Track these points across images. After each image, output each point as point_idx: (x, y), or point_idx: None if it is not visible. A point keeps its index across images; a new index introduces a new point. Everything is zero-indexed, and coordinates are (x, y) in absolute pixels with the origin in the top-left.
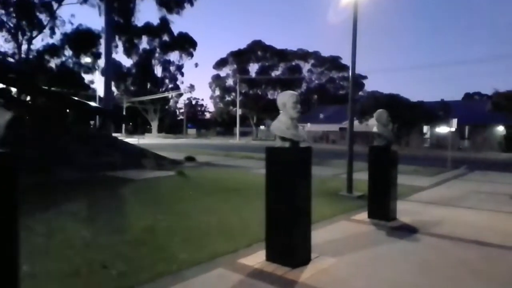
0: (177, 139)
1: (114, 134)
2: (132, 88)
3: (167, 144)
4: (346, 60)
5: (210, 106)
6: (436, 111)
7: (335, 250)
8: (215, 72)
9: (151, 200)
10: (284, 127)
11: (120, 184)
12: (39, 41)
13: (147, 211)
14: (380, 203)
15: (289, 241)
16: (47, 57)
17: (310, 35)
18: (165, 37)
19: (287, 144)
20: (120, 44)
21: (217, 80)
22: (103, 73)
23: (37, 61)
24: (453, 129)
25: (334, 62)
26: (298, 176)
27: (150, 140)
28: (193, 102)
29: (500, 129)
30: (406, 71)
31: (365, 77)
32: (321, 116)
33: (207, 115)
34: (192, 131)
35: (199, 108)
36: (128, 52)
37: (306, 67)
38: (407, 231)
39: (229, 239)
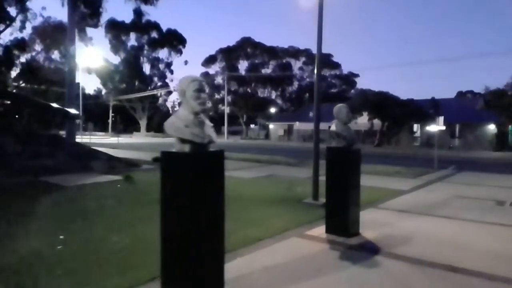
0: (165, 138)
1: (98, 134)
2: (119, 86)
3: (149, 144)
4: (338, 58)
5: None
6: (426, 109)
7: (262, 283)
8: (204, 69)
9: (66, 213)
10: (182, 125)
11: (44, 192)
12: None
13: (50, 228)
14: (339, 216)
15: (191, 277)
16: (16, 52)
17: (301, 32)
18: (154, 34)
19: (186, 148)
20: (107, 40)
21: (206, 78)
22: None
23: (5, 56)
24: (440, 127)
25: (325, 60)
26: (199, 193)
27: (135, 139)
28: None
29: (492, 127)
30: (399, 70)
31: (357, 75)
32: (311, 114)
33: None
34: None
35: None
36: (115, 49)
37: (297, 64)
38: (367, 251)
39: (126, 271)
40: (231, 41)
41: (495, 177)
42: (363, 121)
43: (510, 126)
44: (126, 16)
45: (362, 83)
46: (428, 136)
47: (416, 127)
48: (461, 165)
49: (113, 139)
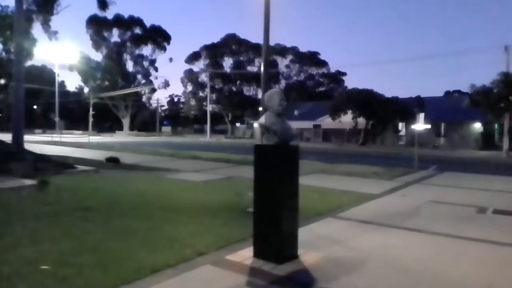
0: (148, 138)
1: (76, 132)
2: (101, 83)
3: (125, 143)
4: (325, 56)
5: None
6: (411, 107)
7: None
8: (188, 66)
9: None
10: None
11: None
12: None
13: None
14: (269, 235)
15: None
16: None
17: (288, 30)
18: (137, 30)
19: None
20: (88, 36)
21: (190, 75)
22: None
23: None
24: (421, 125)
25: (312, 58)
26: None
27: (115, 138)
28: (175, 99)
29: (478, 126)
30: (388, 69)
31: (344, 74)
32: (296, 113)
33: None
34: (167, 128)
35: (176, 105)
36: (96, 45)
37: (284, 62)
38: (296, 286)
39: None
40: (217, 38)
41: (478, 178)
42: (347, 119)
43: (496, 125)
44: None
45: (350, 82)
46: (413, 135)
47: (401, 125)
48: (444, 165)
49: (91, 138)
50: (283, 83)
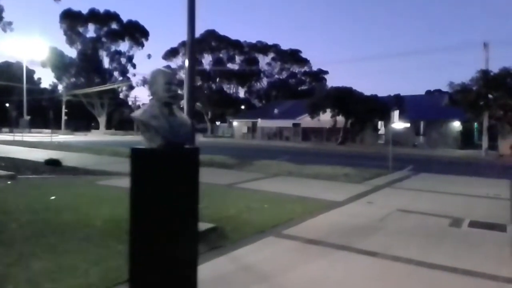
0: (123, 137)
1: (45, 131)
2: (75, 80)
3: (92, 143)
4: (306, 54)
5: None
6: (390, 106)
7: None
8: (166, 63)
9: None
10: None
11: None
12: None
13: None
14: (147, 278)
15: None
16: None
17: (270, 28)
18: (114, 25)
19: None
20: (61, 31)
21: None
22: None
23: None
24: (396, 123)
25: (294, 56)
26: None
27: (89, 137)
28: None
29: (457, 124)
30: (370, 68)
31: (326, 72)
32: (276, 111)
33: None
34: None
35: None
36: (70, 41)
37: (265, 60)
38: None
39: None
40: (197, 34)
41: (455, 181)
42: (327, 118)
43: (475, 124)
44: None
45: (332, 80)
46: (393, 134)
47: (380, 124)
48: (421, 165)
49: (60, 137)
50: (265, 81)
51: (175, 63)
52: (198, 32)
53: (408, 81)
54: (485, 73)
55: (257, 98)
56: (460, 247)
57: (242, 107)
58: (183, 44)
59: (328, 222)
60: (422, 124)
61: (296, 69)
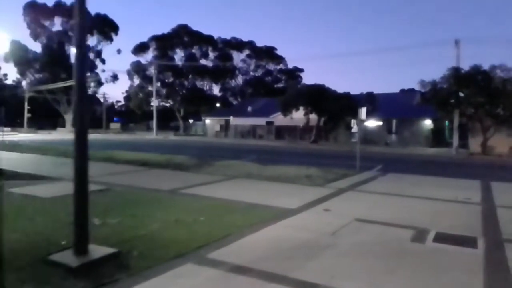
0: (91, 135)
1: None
2: (40, 75)
3: (49, 142)
4: (281, 51)
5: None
6: (363, 104)
7: None
8: (136, 58)
9: None
10: None
11: None
12: None
13: None
14: None
15: None
16: None
17: (245, 25)
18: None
19: None
20: (25, 24)
21: (137, 67)
22: None
23: None
24: (363, 120)
25: (269, 53)
26: None
27: (50, 136)
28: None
29: (428, 123)
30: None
31: (301, 70)
32: (249, 109)
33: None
34: (116, 125)
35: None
36: (35, 35)
37: (241, 57)
38: None
39: None
40: (167, 29)
41: (424, 182)
42: (300, 116)
43: (446, 122)
44: None
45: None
46: (366, 132)
47: (353, 122)
48: (392, 164)
49: (20, 136)
50: (240, 78)
51: (145, 58)
52: (169, 26)
53: (384, 79)
54: (456, 71)
55: (233, 95)
56: (421, 274)
57: (218, 104)
58: (153, 38)
59: (269, 238)
60: (394, 122)
61: (271, 66)
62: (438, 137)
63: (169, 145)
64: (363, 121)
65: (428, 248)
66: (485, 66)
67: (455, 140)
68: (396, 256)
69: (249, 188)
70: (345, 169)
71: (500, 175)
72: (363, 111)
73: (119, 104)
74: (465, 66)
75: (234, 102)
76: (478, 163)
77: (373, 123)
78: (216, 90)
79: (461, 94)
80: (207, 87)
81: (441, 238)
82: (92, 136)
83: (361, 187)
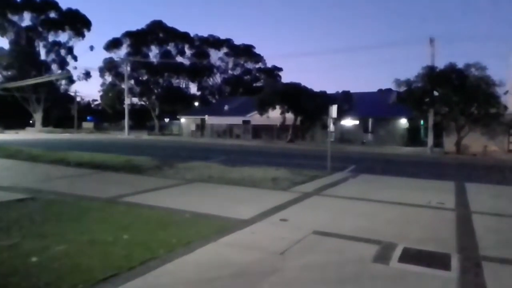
0: (60, 135)
1: None
2: (8, 73)
3: (10, 142)
4: (260, 50)
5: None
6: (339, 102)
7: None
8: (109, 55)
9: None
10: None
11: None
12: None
13: None
14: None
15: None
16: None
17: (223, 23)
18: (52, 14)
19: None
20: None
21: (109, 64)
22: None
23: None
24: (334, 117)
25: (247, 51)
26: None
27: (17, 136)
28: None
29: (404, 122)
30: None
31: (280, 69)
32: (226, 108)
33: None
34: (89, 124)
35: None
36: (2, 30)
37: (219, 55)
38: None
39: None
40: (142, 25)
41: (396, 183)
42: (277, 115)
43: (421, 121)
44: None
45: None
46: (343, 131)
47: (329, 121)
48: (365, 163)
49: None
50: (218, 77)
51: (118, 55)
52: (144, 22)
53: (365, 79)
54: (430, 70)
55: (211, 94)
56: None
57: (196, 103)
58: (127, 34)
59: (202, 262)
60: (370, 121)
61: (250, 65)
62: (413, 136)
63: (138, 145)
64: (334, 119)
65: (392, 271)
66: (461, 64)
67: (430, 140)
68: (352, 284)
69: (204, 194)
70: (316, 170)
71: (474, 175)
72: (333, 109)
73: (96, 103)
74: (442, 64)
75: (213, 101)
76: (453, 163)
77: (349, 122)
78: (193, 88)
79: (436, 93)
80: (184, 86)
81: (408, 256)
82: (63, 136)
83: (328, 191)
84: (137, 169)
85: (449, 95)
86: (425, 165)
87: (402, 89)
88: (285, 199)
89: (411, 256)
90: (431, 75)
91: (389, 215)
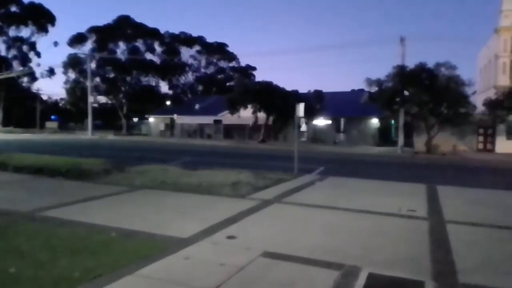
0: (19, 135)
1: None
2: None
3: None
4: (233, 48)
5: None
6: (311, 102)
7: None
8: (73, 51)
9: None
10: None
11: None
12: None
13: None
14: None
15: None
16: None
17: (195, 22)
18: (13, 8)
19: None
20: None
21: (73, 60)
22: None
23: None
24: (301, 115)
25: (220, 50)
26: None
27: None
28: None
29: (375, 121)
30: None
31: (254, 68)
32: (197, 107)
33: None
34: (53, 124)
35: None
36: None
37: (190, 53)
38: None
39: None
40: (108, 20)
41: (365, 187)
42: (249, 114)
43: (392, 120)
44: None
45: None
46: (315, 131)
47: (302, 121)
48: (335, 164)
49: None
50: (190, 75)
51: (83, 51)
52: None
53: (340, 79)
54: (401, 69)
55: (183, 93)
56: None
57: (168, 103)
58: (92, 30)
59: None
60: (343, 121)
61: (224, 64)
62: (384, 136)
63: (99, 146)
64: (307, 119)
65: None
66: (431, 63)
67: (401, 139)
68: None
69: (146, 205)
70: (283, 172)
71: (445, 176)
72: (301, 107)
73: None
74: (413, 63)
75: (186, 100)
76: (423, 163)
77: (322, 122)
78: (165, 87)
79: (407, 93)
80: (154, 84)
81: (374, 285)
82: (16, 136)
83: (291, 197)
84: (83, 174)
85: (419, 94)
86: (395, 165)
87: (373, 88)
88: (241, 208)
89: (377, 286)
90: (402, 75)
91: (355, 227)
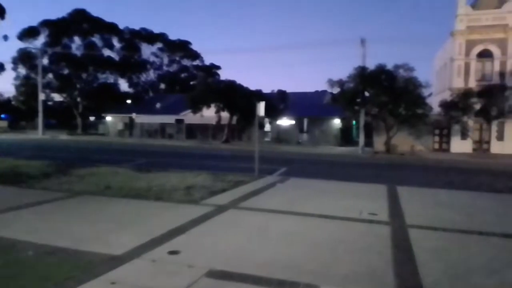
0: None
1: None
2: None
3: None
4: (196, 46)
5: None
6: (275, 101)
7: None
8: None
9: None
10: None
11: None
12: None
13: None
14: None
15: None
16: None
17: (157, 19)
18: None
19: None
20: None
21: (23, 55)
22: None
23: None
24: (261, 115)
25: (183, 48)
26: None
27: None
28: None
29: (337, 122)
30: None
31: (218, 67)
32: (158, 105)
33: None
34: (2, 123)
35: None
36: None
37: (152, 50)
38: None
39: None
40: (63, 13)
41: (326, 189)
42: (212, 113)
43: (354, 121)
44: None
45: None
46: (279, 131)
47: (265, 121)
48: (298, 164)
49: None
50: (152, 73)
51: (35, 45)
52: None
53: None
54: (362, 70)
55: (144, 91)
56: None
57: (129, 101)
58: (45, 23)
59: None
60: (306, 121)
61: (187, 62)
62: (346, 136)
63: (48, 147)
64: (270, 118)
65: None
66: (390, 65)
67: (361, 139)
68: None
69: (81, 215)
70: (244, 174)
71: (404, 175)
72: (261, 106)
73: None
74: (374, 65)
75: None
76: (383, 163)
77: (286, 122)
78: (124, 85)
79: (367, 94)
80: (113, 81)
81: None
82: None
83: (248, 202)
84: (19, 177)
85: (379, 95)
86: (356, 166)
87: (336, 89)
88: (191, 216)
89: None
90: (363, 76)
91: (314, 236)
